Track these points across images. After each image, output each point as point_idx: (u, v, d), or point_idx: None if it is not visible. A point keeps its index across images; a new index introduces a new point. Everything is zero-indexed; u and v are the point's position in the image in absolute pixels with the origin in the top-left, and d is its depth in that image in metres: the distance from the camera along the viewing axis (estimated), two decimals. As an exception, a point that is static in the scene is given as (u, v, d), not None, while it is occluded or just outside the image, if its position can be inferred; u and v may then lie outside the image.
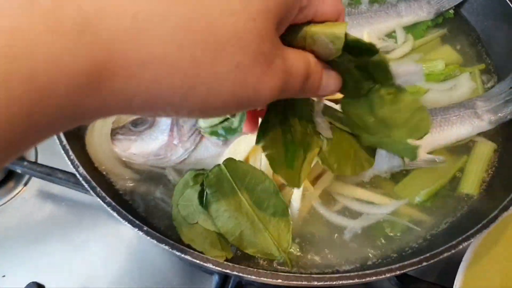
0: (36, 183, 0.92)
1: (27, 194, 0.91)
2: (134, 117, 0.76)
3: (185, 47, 0.29)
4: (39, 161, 0.92)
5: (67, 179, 0.82)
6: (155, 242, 0.58)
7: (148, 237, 0.58)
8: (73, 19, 0.26)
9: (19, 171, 0.86)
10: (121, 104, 0.30)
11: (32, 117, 0.26)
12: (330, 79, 0.44)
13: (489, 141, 0.78)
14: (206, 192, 0.66)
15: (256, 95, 0.34)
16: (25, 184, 0.92)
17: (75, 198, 0.90)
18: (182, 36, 0.29)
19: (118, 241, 0.85)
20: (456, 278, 0.70)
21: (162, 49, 0.28)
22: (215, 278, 0.75)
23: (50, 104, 0.26)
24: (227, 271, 0.55)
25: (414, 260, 0.58)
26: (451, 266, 0.72)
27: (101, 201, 0.62)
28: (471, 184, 0.73)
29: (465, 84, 0.84)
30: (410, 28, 0.91)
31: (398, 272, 0.57)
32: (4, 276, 0.81)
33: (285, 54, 0.37)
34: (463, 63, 0.89)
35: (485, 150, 0.77)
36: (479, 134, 0.79)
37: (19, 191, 0.91)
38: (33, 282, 0.75)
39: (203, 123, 0.71)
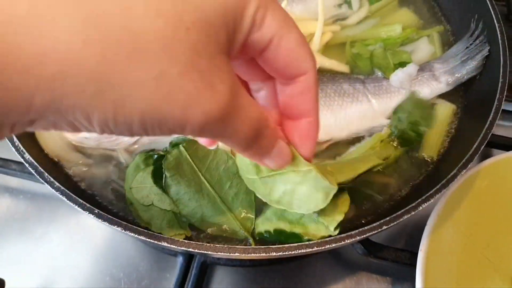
0: (-9, 177, 0.88)
1: (-18, 189, 0.87)
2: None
3: (93, 43, 0.25)
4: (-9, 153, 0.88)
5: (22, 170, 0.79)
6: (107, 224, 0.56)
7: (100, 220, 0.56)
8: None
9: (-31, 164, 0.82)
10: (20, 104, 0.25)
11: None
12: (283, 149, 0.40)
13: (448, 103, 0.77)
14: (165, 175, 0.64)
15: (184, 115, 0.28)
16: (-21, 179, 0.88)
17: (34, 190, 0.87)
18: (91, 30, 0.25)
19: (80, 231, 0.83)
20: (421, 242, 0.70)
21: (65, 43, 0.24)
22: (180, 260, 0.74)
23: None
24: (182, 248, 0.54)
25: (374, 224, 0.57)
26: (419, 231, 0.72)
27: (49, 187, 0.59)
28: (431, 147, 0.73)
29: (424, 48, 0.83)
30: (364, -9, 0.90)
31: (358, 238, 0.56)
32: (-38, 273, 0.78)
33: (236, 86, 0.31)
34: (421, 26, 0.88)
35: (445, 111, 0.76)
36: (439, 96, 0.78)
37: (-27, 186, 0.87)
38: (-9, 278, 0.71)
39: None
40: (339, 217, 0.59)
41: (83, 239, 0.82)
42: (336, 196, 0.59)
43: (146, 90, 0.27)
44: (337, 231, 0.58)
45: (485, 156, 0.88)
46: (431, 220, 0.72)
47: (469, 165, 0.62)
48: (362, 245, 0.73)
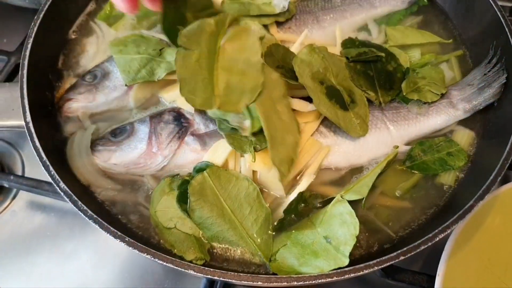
0: (24, 195, 0.92)
1: (16, 207, 0.92)
2: (114, 127, 0.77)
3: None
4: (26, 175, 0.93)
5: (54, 190, 0.83)
6: (137, 252, 0.59)
7: (131, 248, 0.60)
8: None
9: (6, 185, 0.87)
10: None
11: None
12: None
13: (467, 130, 0.79)
14: (190, 200, 0.67)
15: None
16: (14, 198, 0.93)
17: (65, 208, 0.91)
18: None
19: (108, 248, 0.87)
20: (438, 267, 0.72)
21: None
22: (203, 280, 0.77)
23: None
24: (209, 276, 0.57)
25: (392, 255, 0.59)
26: (436, 255, 0.74)
27: (83, 215, 0.63)
28: (448, 174, 0.74)
29: (444, 73, 0.84)
30: (384, 19, 0.91)
31: (375, 268, 0.58)
32: (-3, 288, 0.83)
33: None
34: (441, 51, 0.89)
35: (463, 138, 0.77)
36: (458, 123, 0.79)
37: (8, 205, 0.92)
38: (23, 293, 0.76)
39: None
40: (352, 241, 0.62)
41: (110, 257, 0.86)
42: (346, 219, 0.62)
43: None
44: (347, 260, 0.60)
45: (505, 180, 0.89)
46: (448, 245, 0.73)
47: (485, 196, 0.63)
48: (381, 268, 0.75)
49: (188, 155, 0.73)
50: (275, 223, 0.68)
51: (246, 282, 0.56)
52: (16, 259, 0.86)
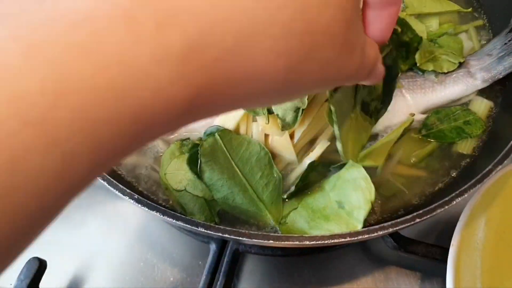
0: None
1: (26, 175, 0.92)
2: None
3: (282, 54, 0.28)
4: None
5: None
6: (146, 209, 0.58)
7: (139, 205, 0.59)
8: (178, 46, 0.24)
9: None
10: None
11: (130, 149, 0.26)
12: (381, 69, 0.42)
13: (484, 99, 0.77)
14: (200, 161, 0.67)
15: (332, 84, 0.38)
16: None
17: (73, 178, 0.90)
18: (282, 44, 0.28)
19: (116, 217, 0.86)
20: (453, 237, 0.70)
21: (262, 61, 0.27)
22: (212, 247, 0.76)
23: (150, 136, 0.26)
24: (218, 234, 0.55)
25: (407, 217, 0.58)
26: (450, 228, 0.72)
27: (92, 173, 0.62)
28: (466, 143, 0.73)
29: (463, 44, 0.82)
30: (401, -11, 0.89)
31: (390, 230, 0.57)
32: (7, 254, 0.83)
33: (363, 42, 0.35)
34: (460, 20, 0.87)
35: (480, 108, 0.76)
36: (477, 93, 0.78)
37: (18, 173, 0.92)
38: (33, 257, 0.75)
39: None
40: (367, 207, 0.60)
41: (119, 225, 0.85)
42: (360, 184, 0.61)
43: (314, 82, 0.32)
44: (361, 225, 0.59)
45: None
46: (464, 215, 0.71)
47: (504, 162, 0.62)
48: (393, 239, 0.74)
49: (199, 119, 0.72)
50: (285, 195, 0.67)
51: (256, 240, 0.55)
52: (25, 227, 0.86)
